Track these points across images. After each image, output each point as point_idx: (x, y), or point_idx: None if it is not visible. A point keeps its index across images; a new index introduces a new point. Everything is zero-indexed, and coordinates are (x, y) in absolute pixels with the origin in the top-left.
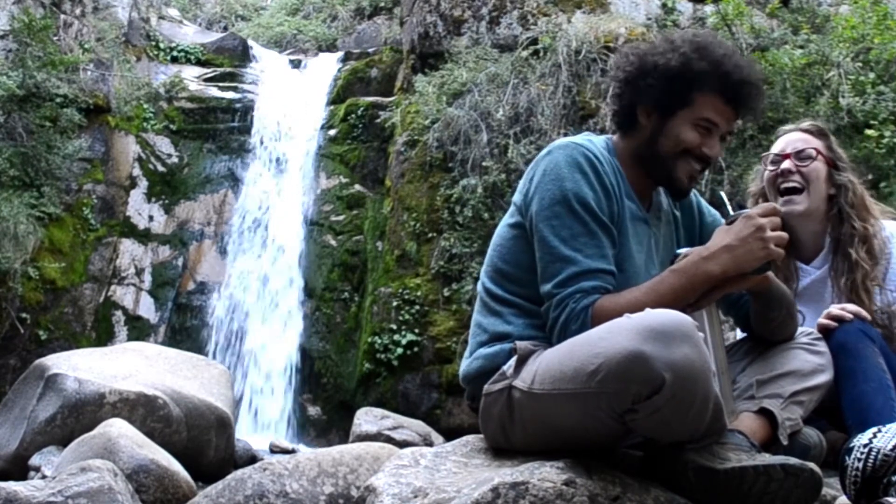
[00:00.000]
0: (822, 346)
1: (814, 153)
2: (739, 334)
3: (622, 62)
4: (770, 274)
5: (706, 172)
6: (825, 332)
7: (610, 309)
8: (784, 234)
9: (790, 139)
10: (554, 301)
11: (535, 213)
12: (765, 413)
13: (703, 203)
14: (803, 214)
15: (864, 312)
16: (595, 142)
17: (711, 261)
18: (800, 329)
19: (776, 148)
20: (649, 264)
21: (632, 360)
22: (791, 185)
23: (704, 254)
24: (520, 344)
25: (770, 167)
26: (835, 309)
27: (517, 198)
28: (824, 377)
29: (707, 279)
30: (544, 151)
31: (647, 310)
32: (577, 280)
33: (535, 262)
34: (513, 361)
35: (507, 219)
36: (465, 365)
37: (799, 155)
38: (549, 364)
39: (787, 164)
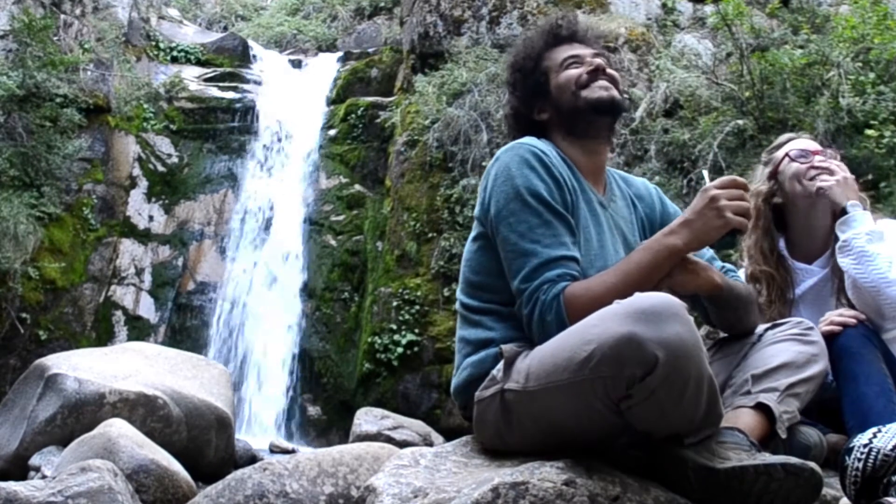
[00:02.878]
0: (815, 335)
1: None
2: None
3: (504, 114)
4: (723, 279)
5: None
6: (829, 337)
7: (580, 294)
8: (744, 203)
9: (808, 143)
10: (524, 297)
11: (494, 217)
12: (762, 408)
13: (666, 199)
14: (834, 191)
15: (862, 315)
16: (539, 141)
17: (672, 235)
18: (791, 319)
19: (798, 146)
20: (615, 245)
21: (624, 342)
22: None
23: (665, 230)
24: (505, 347)
25: (800, 161)
26: (836, 315)
27: (477, 210)
28: (819, 367)
29: (671, 253)
30: (493, 159)
31: (636, 294)
32: (541, 271)
33: (503, 268)
34: (501, 365)
35: (472, 234)
36: (455, 378)
37: (823, 153)
38: (541, 359)
39: (820, 158)
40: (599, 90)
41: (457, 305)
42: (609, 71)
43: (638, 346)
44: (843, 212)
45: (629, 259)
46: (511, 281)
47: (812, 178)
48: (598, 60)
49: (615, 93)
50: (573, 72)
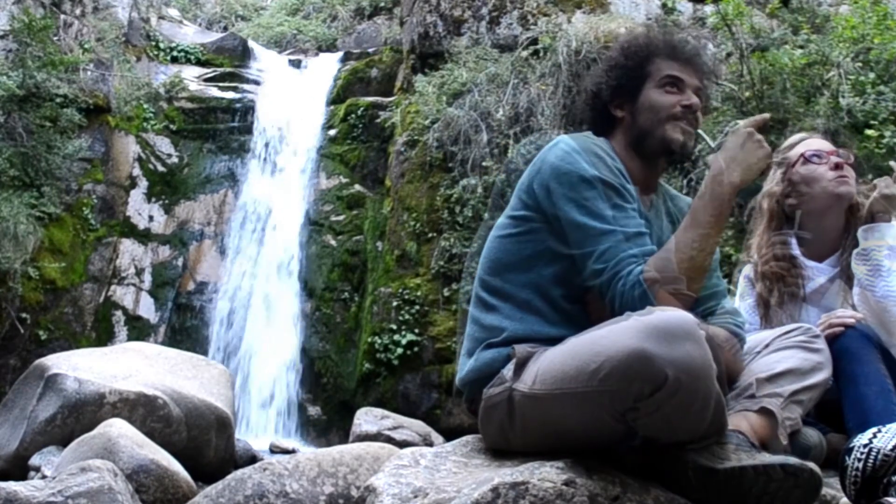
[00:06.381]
0: (821, 344)
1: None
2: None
3: (584, 85)
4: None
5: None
6: (830, 339)
7: (652, 273)
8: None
9: (822, 143)
10: (602, 280)
11: (559, 199)
12: (765, 412)
13: None
14: (850, 197)
15: (860, 315)
16: (599, 139)
17: (726, 174)
18: (797, 326)
19: (813, 146)
20: None
21: (634, 357)
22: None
23: (715, 174)
24: (518, 347)
25: (815, 161)
26: (834, 318)
27: (521, 192)
28: (823, 375)
29: (732, 191)
30: (550, 145)
31: (649, 308)
32: (618, 250)
33: (538, 253)
34: (511, 365)
35: (510, 212)
36: (462, 369)
37: (837, 154)
38: (550, 364)
39: (836, 159)
40: (678, 133)
41: (475, 284)
42: (698, 114)
43: (648, 363)
44: (871, 218)
45: (695, 210)
46: (584, 262)
47: (833, 181)
48: (695, 99)
49: (689, 140)
50: (670, 98)
